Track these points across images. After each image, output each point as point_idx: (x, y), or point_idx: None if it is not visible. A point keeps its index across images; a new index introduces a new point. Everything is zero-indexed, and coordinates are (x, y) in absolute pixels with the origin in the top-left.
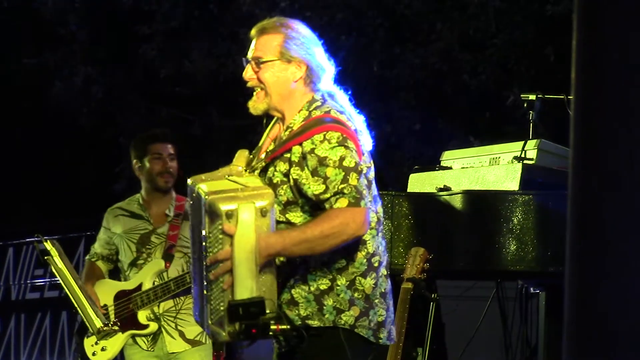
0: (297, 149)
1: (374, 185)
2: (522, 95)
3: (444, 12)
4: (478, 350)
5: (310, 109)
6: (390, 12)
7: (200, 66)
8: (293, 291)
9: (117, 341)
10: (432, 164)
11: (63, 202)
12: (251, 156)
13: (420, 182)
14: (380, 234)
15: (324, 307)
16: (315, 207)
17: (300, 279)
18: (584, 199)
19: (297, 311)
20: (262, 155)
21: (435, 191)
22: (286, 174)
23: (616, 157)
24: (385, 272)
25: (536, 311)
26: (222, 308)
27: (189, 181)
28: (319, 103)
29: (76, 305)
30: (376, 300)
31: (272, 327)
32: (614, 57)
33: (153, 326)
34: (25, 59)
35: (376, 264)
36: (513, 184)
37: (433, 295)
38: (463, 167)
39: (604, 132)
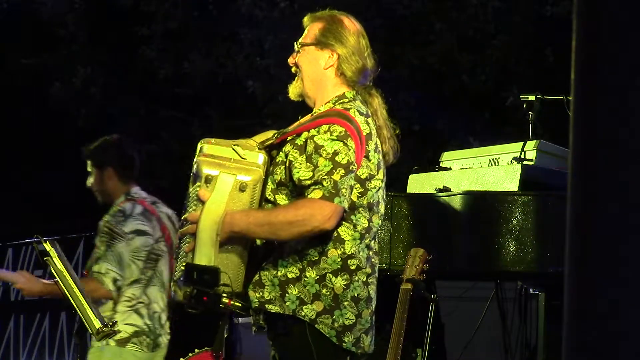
0: (304, 135)
1: (373, 194)
2: (521, 96)
3: (443, 12)
4: (477, 350)
5: (336, 103)
6: (390, 13)
7: (199, 67)
8: (262, 273)
9: None
10: (431, 164)
11: (62, 203)
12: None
13: (419, 183)
14: (366, 242)
15: (287, 295)
16: (301, 195)
17: (272, 262)
18: (583, 200)
19: (261, 293)
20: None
21: (435, 192)
22: (287, 155)
23: (616, 157)
24: (363, 279)
25: (535, 312)
26: (182, 268)
27: (199, 143)
28: (346, 100)
29: (75, 306)
30: (345, 302)
31: (224, 299)
32: (613, 57)
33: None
34: (25, 60)
35: (352, 267)
36: (512, 185)
37: (432, 295)
38: (462, 168)
39: (604, 132)
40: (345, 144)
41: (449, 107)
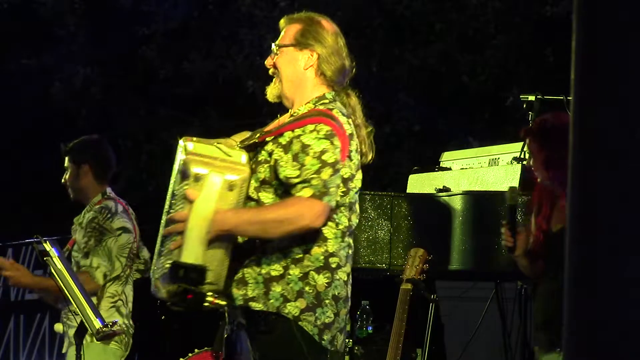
0: (288, 134)
1: (353, 194)
2: (521, 96)
3: (443, 12)
4: (477, 351)
5: (317, 104)
6: (390, 13)
7: (199, 67)
8: (245, 270)
9: None
10: (431, 164)
11: (62, 202)
12: (253, 134)
13: (419, 183)
14: (347, 241)
15: (270, 292)
16: (286, 192)
17: (255, 260)
18: (583, 200)
19: (244, 291)
20: (257, 135)
21: (435, 192)
22: (270, 154)
23: (616, 158)
24: (344, 278)
25: None
26: (167, 265)
27: (181, 140)
28: (326, 101)
29: (75, 306)
30: (327, 301)
31: (209, 298)
32: (613, 57)
33: (57, 327)
34: (25, 60)
35: (334, 265)
36: (512, 185)
37: (432, 295)
38: (462, 168)
39: (604, 132)
40: (332, 143)
41: (449, 107)
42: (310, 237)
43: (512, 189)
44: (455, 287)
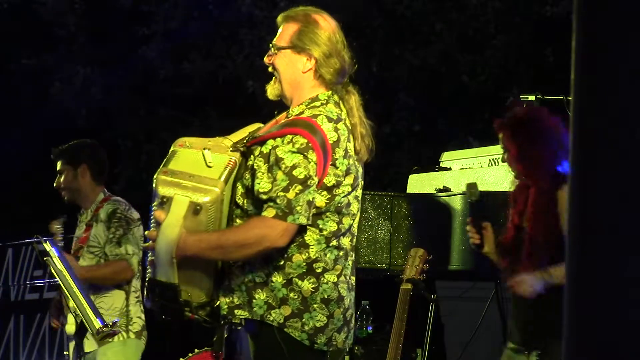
0: (270, 142)
1: (341, 198)
2: (521, 96)
3: (444, 12)
4: (477, 351)
5: (308, 106)
6: (390, 13)
7: (199, 67)
8: (231, 278)
9: None
10: (431, 164)
11: (62, 203)
12: (246, 135)
13: (419, 183)
14: (333, 244)
15: (254, 300)
16: (258, 203)
17: (240, 267)
18: (583, 199)
19: (230, 298)
20: (245, 140)
21: (435, 192)
22: (255, 159)
23: (616, 157)
24: (333, 280)
25: None
26: (149, 277)
27: (174, 144)
28: (317, 103)
29: (75, 306)
30: (315, 305)
31: (187, 313)
32: (613, 57)
33: (70, 328)
34: (25, 60)
35: (319, 270)
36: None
37: (432, 295)
38: (462, 168)
39: (604, 132)
40: (306, 157)
41: (449, 107)
42: (290, 244)
43: (469, 185)
44: (455, 287)
